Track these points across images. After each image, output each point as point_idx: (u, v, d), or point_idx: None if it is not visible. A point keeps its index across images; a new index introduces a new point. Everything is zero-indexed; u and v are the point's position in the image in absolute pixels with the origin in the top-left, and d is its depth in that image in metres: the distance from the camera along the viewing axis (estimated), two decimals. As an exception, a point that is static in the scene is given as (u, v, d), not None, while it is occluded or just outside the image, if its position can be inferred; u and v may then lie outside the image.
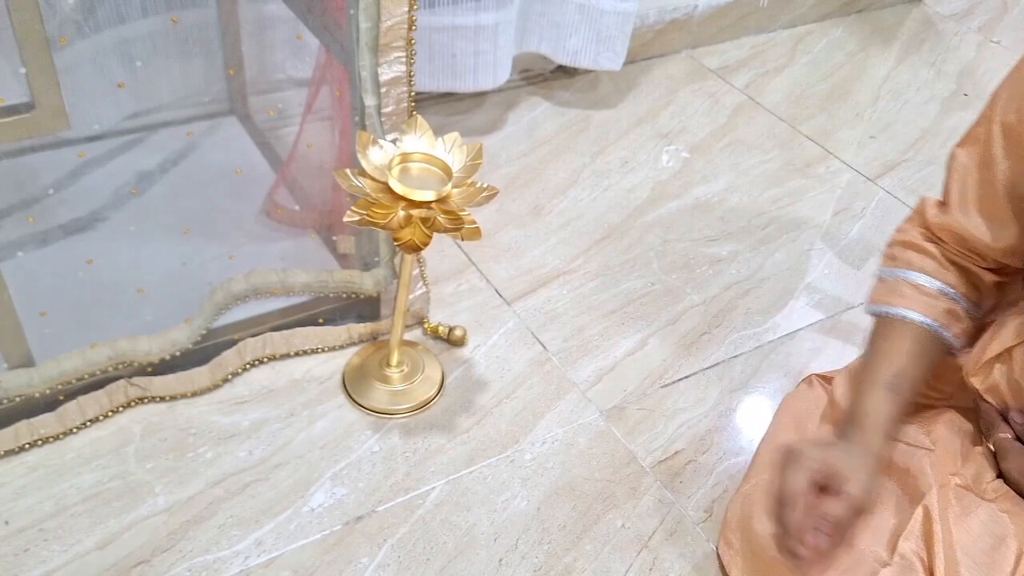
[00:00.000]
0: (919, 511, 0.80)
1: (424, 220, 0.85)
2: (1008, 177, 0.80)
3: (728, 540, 0.91)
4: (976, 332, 0.88)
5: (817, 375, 1.08)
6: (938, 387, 0.93)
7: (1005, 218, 0.81)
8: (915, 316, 0.85)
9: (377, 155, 0.88)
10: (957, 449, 0.86)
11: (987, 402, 0.87)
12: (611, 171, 1.50)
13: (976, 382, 0.86)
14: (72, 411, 0.97)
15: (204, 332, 1.03)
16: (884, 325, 0.87)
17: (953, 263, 0.86)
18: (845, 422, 0.85)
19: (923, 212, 0.87)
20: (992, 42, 2.06)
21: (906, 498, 0.84)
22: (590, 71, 1.70)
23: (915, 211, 0.89)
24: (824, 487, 0.76)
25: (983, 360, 0.85)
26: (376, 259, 1.08)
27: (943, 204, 0.86)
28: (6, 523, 0.90)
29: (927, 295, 0.85)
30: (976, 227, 0.83)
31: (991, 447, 0.85)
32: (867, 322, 1.25)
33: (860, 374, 0.87)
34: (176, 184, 1.11)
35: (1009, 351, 0.82)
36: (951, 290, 0.85)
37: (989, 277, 0.86)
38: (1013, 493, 0.82)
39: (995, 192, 0.81)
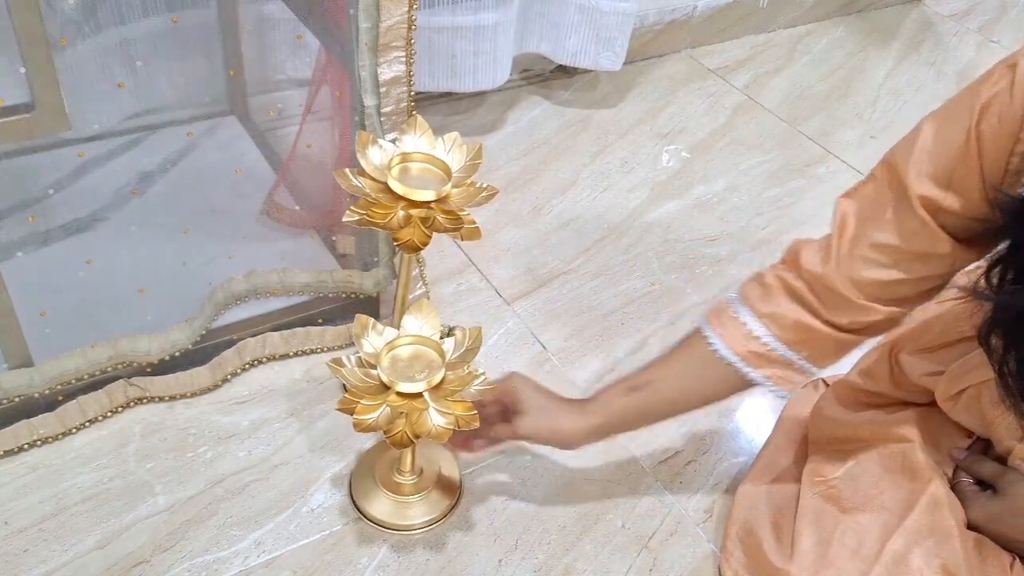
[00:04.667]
0: (922, 510, 0.81)
1: (424, 220, 0.85)
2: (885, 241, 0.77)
3: (731, 553, 0.91)
4: (948, 360, 0.86)
5: (823, 379, 1.08)
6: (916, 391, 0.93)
7: (876, 274, 0.78)
8: (720, 346, 0.83)
9: (377, 155, 0.87)
10: (942, 437, 0.87)
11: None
12: (611, 171, 1.50)
13: (947, 407, 0.86)
14: (72, 411, 0.97)
15: (204, 332, 1.03)
16: (692, 339, 0.87)
17: (798, 320, 0.81)
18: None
19: (796, 252, 0.83)
20: (992, 42, 2.06)
21: (909, 490, 0.84)
22: (590, 71, 1.70)
23: (788, 249, 0.85)
24: (508, 409, 0.89)
25: (954, 390, 0.84)
26: (376, 259, 1.09)
27: (819, 246, 0.82)
28: (6, 523, 0.90)
29: (742, 332, 0.83)
30: (840, 277, 0.79)
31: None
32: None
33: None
34: (176, 184, 1.11)
35: (984, 383, 0.81)
36: (773, 339, 0.82)
37: (836, 335, 0.81)
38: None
39: (877, 251, 0.77)
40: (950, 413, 0.86)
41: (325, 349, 1.11)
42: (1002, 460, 0.83)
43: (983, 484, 0.83)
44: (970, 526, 0.81)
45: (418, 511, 0.94)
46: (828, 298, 0.80)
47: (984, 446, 0.87)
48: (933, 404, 0.92)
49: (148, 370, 1.01)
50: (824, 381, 1.07)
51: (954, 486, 0.84)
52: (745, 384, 0.85)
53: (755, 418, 1.11)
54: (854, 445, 0.91)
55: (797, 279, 0.81)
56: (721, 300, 0.87)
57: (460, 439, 0.91)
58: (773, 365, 0.83)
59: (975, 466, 0.84)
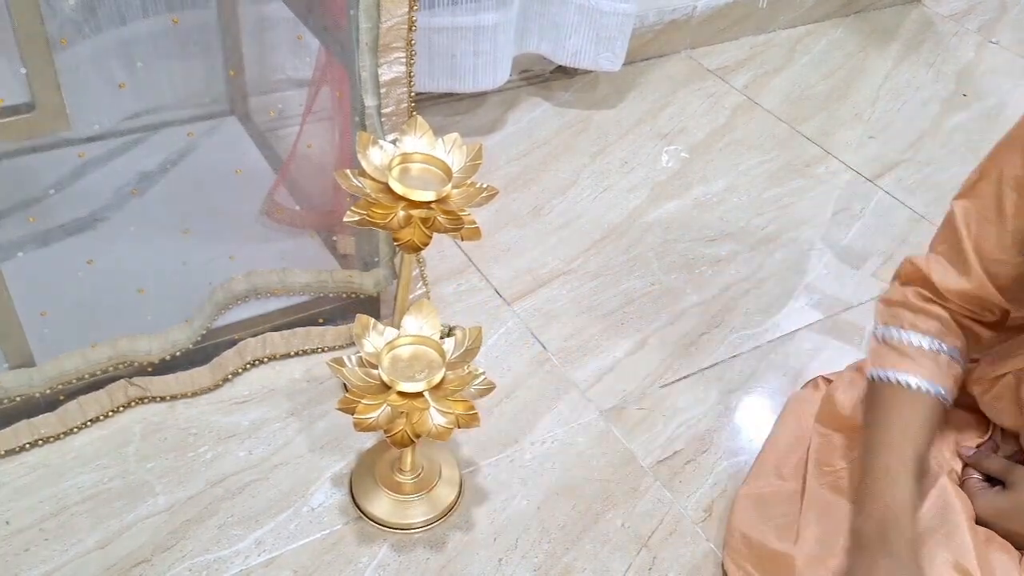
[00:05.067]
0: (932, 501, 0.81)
1: (424, 220, 0.85)
2: (1018, 229, 0.78)
3: (735, 548, 0.91)
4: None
5: (823, 376, 1.08)
6: None
7: (1013, 271, 0.79)
8: (928, 385, 0.81)
9: (377, 155, 0.88)
10: (953, 435, 0.87)
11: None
12: (611, 171, 1.50)
13: (977, 391, 0.86)
14: (72, 411, 0.97)
15: (204, 332, 1.03)
16: (894, 394, 0.82)
17: (959, 324, 0.83)
18: (876, 513, 0.78)
19: (923, 272, 0.83)
20: (991, 42, 2.06)
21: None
22: (589, 71, 1.70)
23: (907, 270, 0.85)
24: None
25: (992, 375, 0.84)
26: (376, 259, 1.09)
27: (945, 260, 0.82)
28: (7, 523, 0.90)
29: (936, 361, 0.81)
30: (983, 283, 0.80)
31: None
32: (865, 323, 1.25)
33: (881, 448, 0.81)
34: (176, 184, 1.11)
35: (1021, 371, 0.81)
36: (957, 353, 0.82)
37: (988, 334, 0.83)
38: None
39: (1005, 245, 0.79)
40: (981, 399, 0.85)
41: (325, 349, 1.11)
42: (1014, 459, 0.83)
43: (991, 481, 0.83)
44: (979, 522, 0.81)
45: (418, 510, 0.94)
46: (981, 306, 0.80)
47: (994, 445, 0.87)
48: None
49: (148, 370, 1.01)
50: (824, 379, 1.07)
51: (963, 483, 0.84)
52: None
53: (754, 418, 1.11)
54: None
55: (942, 300, 0.81)
56: (886, 340, 0.83)
57: None
58: (957, 380, 0.83)
59: (984, 462, 0.84)
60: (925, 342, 0.82)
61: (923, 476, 0.81)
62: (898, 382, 0.82)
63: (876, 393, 0.84)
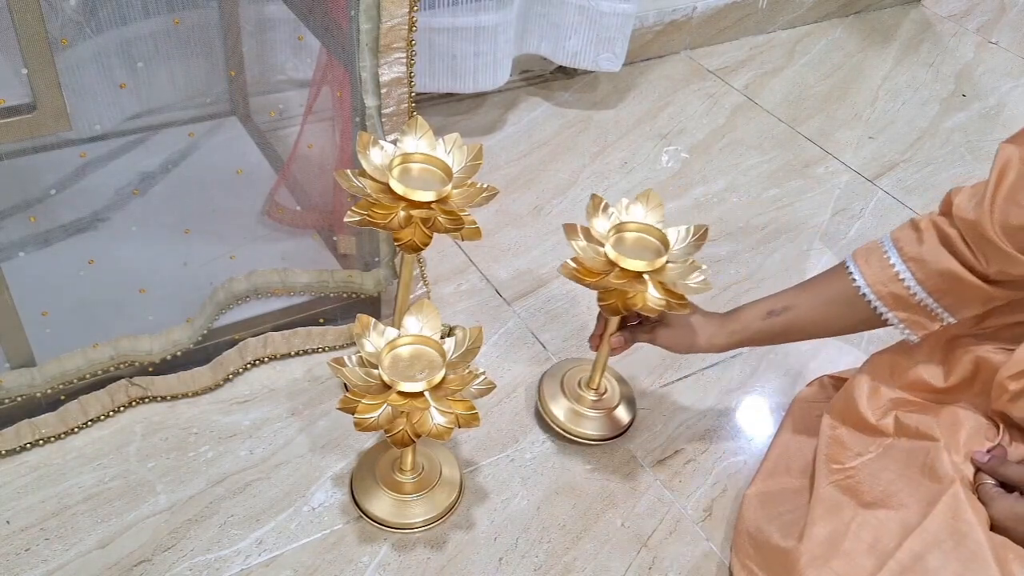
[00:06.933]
0: (941, 510, 0.80)
1: (424, 220, 0.86)
2: None
3: (742, 548, 0.91)
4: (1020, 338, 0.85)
5: (829, 376, 1.07)
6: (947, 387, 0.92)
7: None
8: (861, 283, 0.86)
9: (377, 155, 0.88)
10: (963, 438, 0.86)
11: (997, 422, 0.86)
12: (611, 172, 1.50)
13: (1010, 383, 0.85)
14: (73, 411, 0.97)
15: (205, 332, 1.04)
16: (835, 272, 0.90)
17: (944, 270, 0.82)
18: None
19: (950, 196, 0.83)
20: (990, 43, 2.07)
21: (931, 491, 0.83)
22: (589, 72, 1.70)
23: (945, 196, 0.86)
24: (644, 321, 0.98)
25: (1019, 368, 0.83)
26: (376, 259, 1.09)
27: (972, 191, 0.81)
28: (8, 522, 0.90)
29: (887, 273, 0.85)
30: (995, 232, 0.78)
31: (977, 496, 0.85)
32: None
33: (786, 293, 0.93)
34: (177, 184, 1.11)
35: None
36: (916, 285, 0.84)
37: (981, 289, 0.81)
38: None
39: None
40: (1006, 398, 0.84)
41: (326, 349, 1.11)
42: None
43: (1006, 487, 0.83)
44: (995, 528, 0.80)
45: (419, 510, 0.94)
46: (978, 245, 0.79)
47: (1003, 450, 0.87)
48: (959, 401, 0.91)
49: (150, 370, 1.01)
50: (832, 377, 1.07)
51: (977, 488, 0.83)
52: (878, 323, 0.88)
53: (754, 417, 1.11)
54: (877, 435, 0.90)
55: (950, 226, 0.82)
56: (872, 240, 0.88)
57: (609, 340, 0.98)
58: (910, 310, 0.85)
59: (1000, 469, 0.83)
60: (891, 254, 0.85)
61: (780, 321, 0.91)
62: (845, 265, 0.89)
63: (834, 267, 0.91)
